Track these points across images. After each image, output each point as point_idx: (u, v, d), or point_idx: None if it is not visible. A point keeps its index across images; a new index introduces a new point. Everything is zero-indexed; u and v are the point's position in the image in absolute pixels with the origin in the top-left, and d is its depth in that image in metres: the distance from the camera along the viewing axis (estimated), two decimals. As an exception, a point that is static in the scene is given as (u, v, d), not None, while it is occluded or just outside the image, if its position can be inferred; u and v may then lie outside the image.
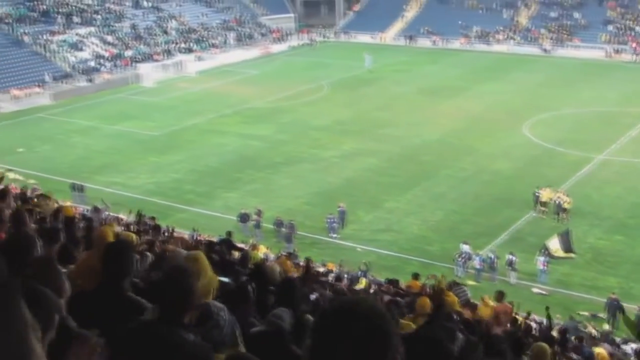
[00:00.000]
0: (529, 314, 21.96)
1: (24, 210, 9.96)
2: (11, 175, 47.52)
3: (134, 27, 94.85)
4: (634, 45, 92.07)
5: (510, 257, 35.78)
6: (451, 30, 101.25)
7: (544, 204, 42.94)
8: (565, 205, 42.15)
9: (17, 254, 5.90)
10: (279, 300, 8.23)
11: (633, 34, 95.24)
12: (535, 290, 34.52)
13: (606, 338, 26.71)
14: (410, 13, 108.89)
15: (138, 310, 5.82)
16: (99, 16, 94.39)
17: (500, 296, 22.24)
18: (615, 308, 30.91)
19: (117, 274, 6.10)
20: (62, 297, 5.06)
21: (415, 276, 25.63)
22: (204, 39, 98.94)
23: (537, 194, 43.34)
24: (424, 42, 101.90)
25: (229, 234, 28.87)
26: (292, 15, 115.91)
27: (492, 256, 36.16)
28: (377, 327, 2.71)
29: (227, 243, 23.04)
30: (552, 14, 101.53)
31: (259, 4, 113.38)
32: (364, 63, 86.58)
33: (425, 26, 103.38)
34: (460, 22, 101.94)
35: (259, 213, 41.49)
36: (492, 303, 22.04)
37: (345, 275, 29.56)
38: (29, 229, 8.76)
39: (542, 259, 35.61)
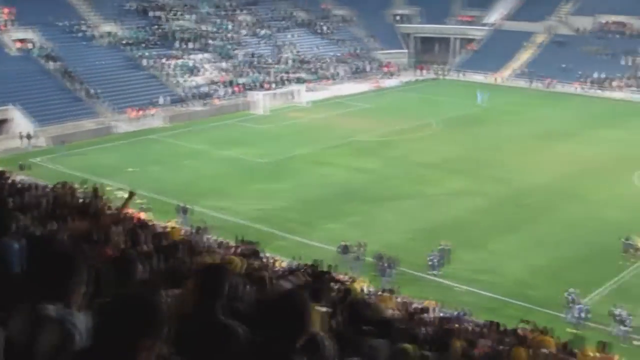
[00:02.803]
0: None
1: (137, 229, 10.17)
2: (119, 194, 48.92)
3: (250, 55, 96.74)
4: None
5: (615, 309, 34.82)
6: (567, 74, 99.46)
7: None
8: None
9: (120, 273, 5.74)
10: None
11: None
12: (635, 342, 33.59)
13: None
14: (527, 54, 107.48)
15: (229, 334, 5.79)
16: (215, 43, 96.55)
17: (602, 347, 21.59)
18: None
19: (210, 297, 6.01)
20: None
21: (545, 331, 22.55)
22: (317, 70, 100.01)
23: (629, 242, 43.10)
24: (537, 85, 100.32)
25: (330, 267, 28.85)
26: (405, 51, 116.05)
27: (587, 307, 35.41)
28: None
29: (326, 275, 23.00)
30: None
31: (373, 39, 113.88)
32: (476, 100, 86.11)
33: (541, 69, 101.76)
34: (576, 67, 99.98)
35: (360, 246, 41.49)
36: (592, 354, 21.41)
37: (442, 314, 29.24)
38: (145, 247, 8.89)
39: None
